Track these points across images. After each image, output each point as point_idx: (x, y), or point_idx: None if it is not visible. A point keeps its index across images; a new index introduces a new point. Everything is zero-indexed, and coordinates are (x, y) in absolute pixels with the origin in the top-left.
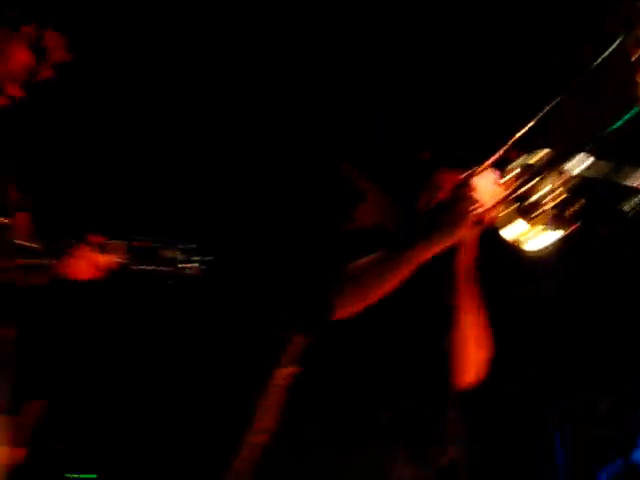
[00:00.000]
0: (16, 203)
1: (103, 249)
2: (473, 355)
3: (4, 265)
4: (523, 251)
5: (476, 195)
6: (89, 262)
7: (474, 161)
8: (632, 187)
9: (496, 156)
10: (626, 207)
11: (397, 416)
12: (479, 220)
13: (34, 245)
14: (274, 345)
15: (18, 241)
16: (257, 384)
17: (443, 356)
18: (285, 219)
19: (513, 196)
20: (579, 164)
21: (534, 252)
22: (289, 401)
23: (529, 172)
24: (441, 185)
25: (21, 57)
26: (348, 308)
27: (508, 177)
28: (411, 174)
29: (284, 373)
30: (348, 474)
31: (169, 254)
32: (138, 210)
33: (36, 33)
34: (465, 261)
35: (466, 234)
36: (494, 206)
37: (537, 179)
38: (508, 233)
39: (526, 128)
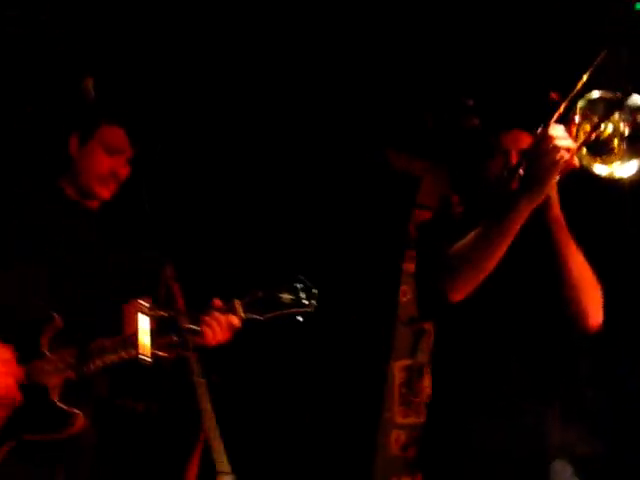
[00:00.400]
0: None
1: (230, 310)
2: (592, 295)
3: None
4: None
5: (559, 144)
6: (222, 326)
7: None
8: None
9: (560, 110)
10: None
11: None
12: (567, 166)
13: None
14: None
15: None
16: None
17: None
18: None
19: (588, 138)
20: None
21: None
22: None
23: (590, 116)
24: (509, 148)
25: (103, 161)
26: (466, 288)
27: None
28: (461, 143)
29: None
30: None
31: (286, 297)
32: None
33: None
34: (554, 210)
35: (554, 184)
36: (577, 149)
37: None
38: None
39: (581, 82)
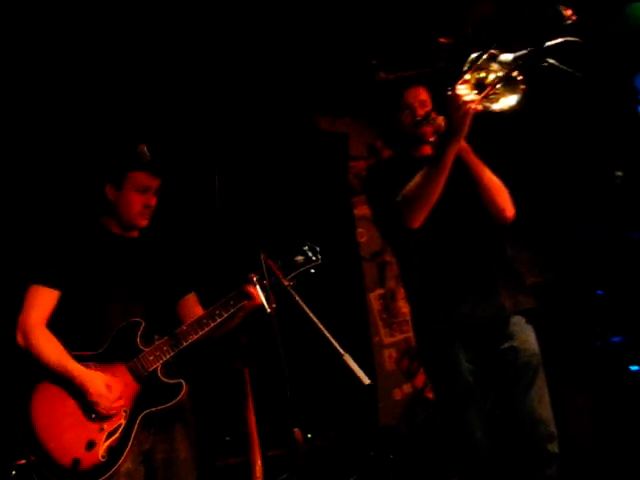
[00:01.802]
0: None
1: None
2: (502, 195)
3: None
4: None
5: (466, 99)
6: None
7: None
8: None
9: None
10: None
11: None
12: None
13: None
14: None
15: None
16: None
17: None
18: None
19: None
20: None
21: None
22: None
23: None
24: (412, 102)
25: (137, 200)
26: (422, 217)
27: (469, 77)
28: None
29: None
30: None
31: (299, 258)
32: None
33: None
34: (463, 144)
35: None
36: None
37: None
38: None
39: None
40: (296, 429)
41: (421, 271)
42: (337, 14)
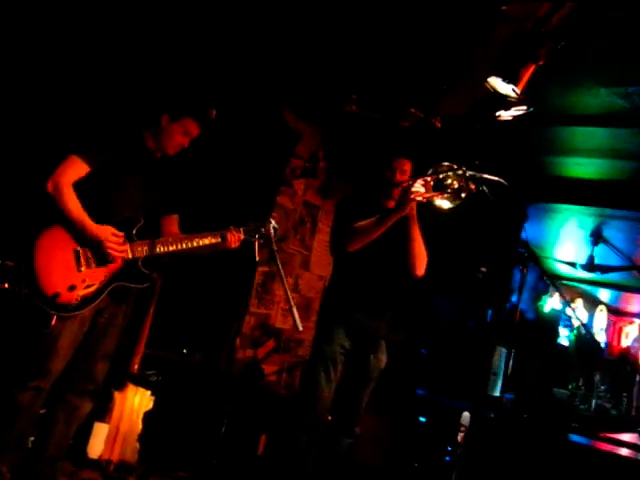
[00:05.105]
0: None
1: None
2: (422, 259)
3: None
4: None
5: (416, 191)
6: (236, 239)
7: None
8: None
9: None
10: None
11: None
12: (417, 200)
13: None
14: None
15: None
16: None
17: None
18: None
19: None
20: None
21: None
22: None
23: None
24: (395, 168)
25: (178, 137)
26: (356, 247)
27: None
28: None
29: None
30: None
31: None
32: None
33: (186, 122)
34: (412, 213)
35: (413, 206)
36: (424, 194)
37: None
38: (437, 203)
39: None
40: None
41: (342, 280)
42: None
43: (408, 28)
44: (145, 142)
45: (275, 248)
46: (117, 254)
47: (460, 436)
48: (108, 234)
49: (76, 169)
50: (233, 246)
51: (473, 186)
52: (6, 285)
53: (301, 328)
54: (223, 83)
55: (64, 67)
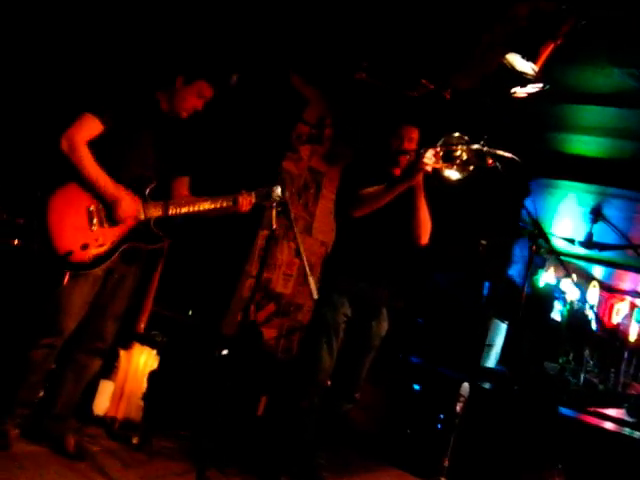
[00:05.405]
0: None
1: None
2: (426, 228)
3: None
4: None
5: (427, 162)
6: (247, 203)
7: None
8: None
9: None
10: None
11: None
12: (426, 170)
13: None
14: None
15: None
16: None
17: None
18: None
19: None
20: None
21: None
22: None
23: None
24: (404, 135)
25: (192, 99)
26: (362, 213)
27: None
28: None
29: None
30: None
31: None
32: None
33: (200, 85)
34: (419, 183)
35: (419, 176)
36: (433, 164)
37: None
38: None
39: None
40: None
41: (346, 247)
42: None
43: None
44: (159, 104)
45: (293, 216)
46: (127, 217)
47: (459, 406)
48: (124, 194)
49: (90, 128)
50: (244, 210)
51: (490, 161)
52: (16, 242)
53: (316, 296)
54: (235, 46)
55: (81, 26)
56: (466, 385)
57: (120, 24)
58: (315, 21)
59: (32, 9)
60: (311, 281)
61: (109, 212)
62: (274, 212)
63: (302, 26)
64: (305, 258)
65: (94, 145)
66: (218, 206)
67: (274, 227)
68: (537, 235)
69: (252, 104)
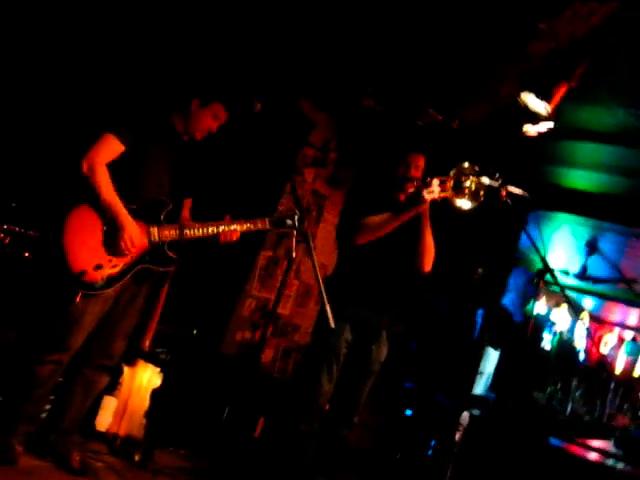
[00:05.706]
0: None
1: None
2: (430, 256)
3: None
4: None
5: (433, 190)
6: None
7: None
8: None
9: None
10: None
11: None
12: (433, 198)
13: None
14: None
15: None
16: None
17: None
18: None
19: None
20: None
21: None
22: None
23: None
24: (411, 162)
25: (207, 121)
26: (365, 240)
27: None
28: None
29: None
30: None
31: (289, 221)
32: None
33: (216, 108)
34: (425, 211)
35: (426, 205)
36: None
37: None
38: (456, 202)
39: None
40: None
41: (350, 274)
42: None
43: (439, 30)
44: (174, 125)
45: (312, 245)
46: (129, 249)
47: (458, 435)
48: (132, 228)
49: (111, 149)
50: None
51: (504, 193)
52: (26, 254)
53: (333, 325)
54: (252, 71)
55: (101, 47)
56: (466, 414)
57: (140, 47)
58: (327, 48)
59: (53, 29)
60: (328, 310)
61: (115, 239)
62: (294, 241)
63: (314, 53)
64: (322, 284)
65: (111, 164)
66: (235, 229)
67: (293, 256)
68: (544, 271)
69: (261, 127)
